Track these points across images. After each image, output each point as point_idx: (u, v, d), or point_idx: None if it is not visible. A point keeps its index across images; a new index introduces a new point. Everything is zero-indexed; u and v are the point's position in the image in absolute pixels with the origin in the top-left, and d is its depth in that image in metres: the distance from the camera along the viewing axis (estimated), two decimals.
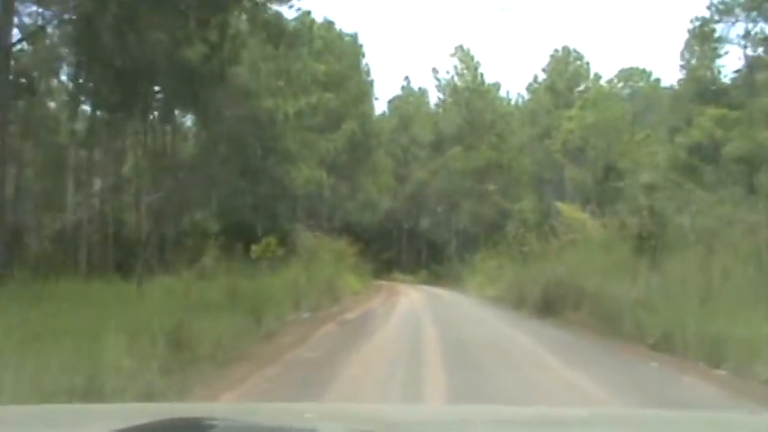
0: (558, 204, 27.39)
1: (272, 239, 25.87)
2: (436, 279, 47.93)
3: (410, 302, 23.13)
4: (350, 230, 63.21)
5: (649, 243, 13.76)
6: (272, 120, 29.34)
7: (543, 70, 51.38)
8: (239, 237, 27.23)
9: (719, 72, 37.16)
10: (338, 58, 40.25)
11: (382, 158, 48.51)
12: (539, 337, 11.07)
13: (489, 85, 47.96)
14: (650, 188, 29.93)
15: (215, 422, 1.31)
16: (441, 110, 50.71)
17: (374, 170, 41.47)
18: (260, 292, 16.61)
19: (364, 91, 40.71)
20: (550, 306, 15.21)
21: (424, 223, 58.51)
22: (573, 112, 44.16)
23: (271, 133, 29.61)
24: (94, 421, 1.81)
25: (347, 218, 63.06)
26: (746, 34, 35.12)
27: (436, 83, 49.57)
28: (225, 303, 11.55)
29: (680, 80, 40.22)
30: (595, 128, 41.57)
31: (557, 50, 51.39)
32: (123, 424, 1.32)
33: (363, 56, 42.46)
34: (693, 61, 39.63)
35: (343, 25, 52.56)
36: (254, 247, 25.87)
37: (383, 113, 62.62)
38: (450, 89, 48.62)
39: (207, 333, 8.49)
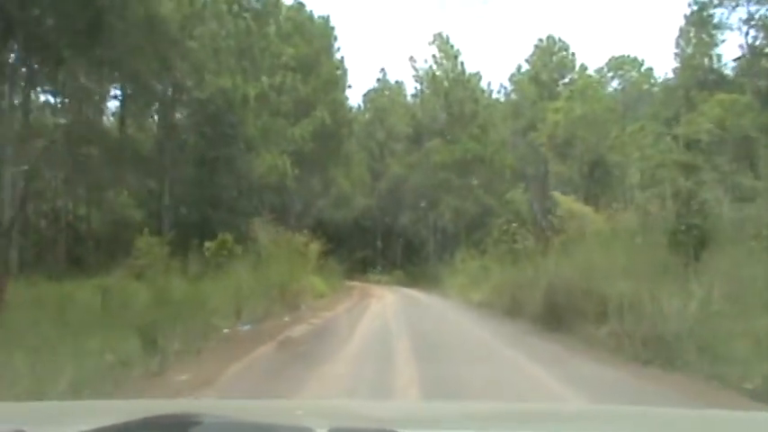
0: (556, 195, 24.04)
1: (228, 236, 22.39)
2: (413, 280, 44.53)
3: (382, 310, 19.66)
4: (323, 228, 60.27)
5: (690, 236, 10.40)
6: (229, 101, 25.69)
7: (527, 61, 48.23)
8: (194, 232, 23.80)
9: (719, 59, 34.15)
10: (308, 42, 36.78)
11: (356, 150, 44.94)
12: (567, 374, 7.26)
13: (470, 74, 44.52)
14: (653, 179, 26.91)
15: (202, 418, 1.25)
16: (418, 100, 47.20)
17: (347, 162, 37.87)
18: (195, 298, 13.17)
19: (336, 77, 37.08)
20: (558, 317, 11.78)
21: (402, 221, 55.13)
22: (559, 103, 40.93)
23: (229, 117, 25.98)
24: (79, 418, 1.71)
25: (320, 215, 60.06)
26: (749, 18, 32.09)
27: (414, 72, 46.07)
28: (116, 318, 7.96)
29: (675, 68, 37.20)
30: (583, 120, 38.40)
31: (541, 40, 48.26)
32: (110, 421, 1.28)
33: (336, 39, 38.85)
34: (689, 49, 36.73)
35: (316, 9, 48.46)
36: (207, 244, 22.40)
37: (358, 107, 59.35)
38: (429, 79, 45.14)
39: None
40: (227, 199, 26.95)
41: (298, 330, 12.45)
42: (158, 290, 13.09)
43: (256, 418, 1.52)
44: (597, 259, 11.83)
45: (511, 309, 15.94)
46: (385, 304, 22.66)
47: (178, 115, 27.93)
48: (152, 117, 29.08)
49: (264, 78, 26.21)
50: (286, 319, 14.63)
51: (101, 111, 26.14)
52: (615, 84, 46.85)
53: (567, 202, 20.76)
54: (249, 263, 18.77)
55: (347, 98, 40.10)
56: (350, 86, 43.55)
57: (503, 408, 2.82)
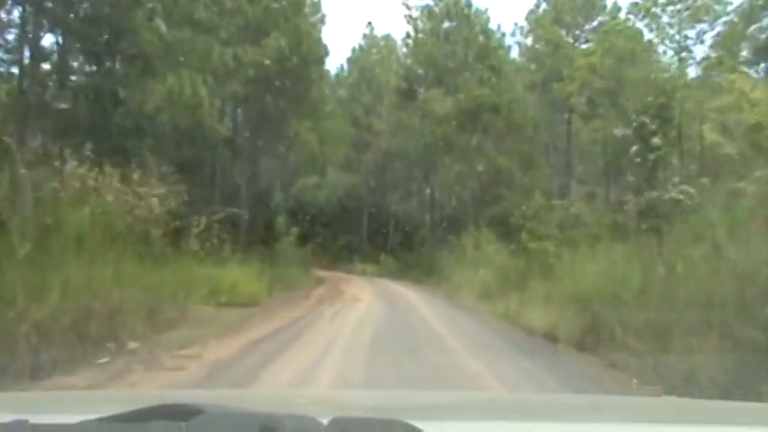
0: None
1: None
2: (405, 270, 34.51)
3: (346, 344, 9.29)
4: (304, 210, 49.93)
5: None
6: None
7: (545, 1, 37.82)
8: None
9: None
10: None
11: (333, 105, 34.74)
12: None
13: (477, 10, 34.01)
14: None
15: (205, 408, 1.20)
16: (412, 46, 36.66)
17: (314, 113, 27.43)
18: None
19: None
20: None
21: (393, 198, 45.01)
22: (592, 47, 30.69)
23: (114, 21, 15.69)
24: (81, 408, 1.65)
25: (300, 197, 50.29)
26: None
27: (406, 12, 35.43)
28: None
29: None
30: (624, 62, 28.14)
31: None
32: (112, 410, 1.25)
33: None
34: None
35: None
36: None
37: (341, 68, 48.87)
38: (425, 17, 34.64)
39: None
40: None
41: None
42: None
43: (258, 407, 1.45)
44: None
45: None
46: (356, 324, 12.42)
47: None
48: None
49: None
50: None
51: None
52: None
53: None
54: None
55: (320, 33, 29.55)
56: (324, 19, 32.93)
57: (508, 398, 2.91)
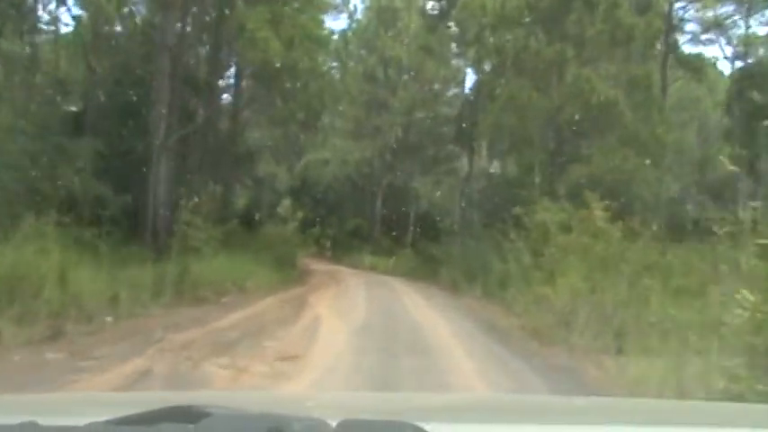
0: None
1: None
2: (428, 268, 23.65)
3: None
4: (308, 190, 40.53)
5: None
6: None
7: None
8: None
9: None
10: None
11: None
12: None
13: None
14: None
15: (213, 410, 1.20)
16: None
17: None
18: None
19: None
20: None
21: (415, 173, 34.13)
22: None
23: None
24: (88, 410, 1.64)
25: (306, 174, 39.98)
26: None
27: None
28: None
29: None
30: None
31: None
32: (120, 412, 1.24)
33: None
34: None
35: None
36: None
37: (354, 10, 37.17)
38: None
39: None
40: None
41: None
42: None
43: (266, 409, 1.39)
44: None
45: None
46: None
47: None
48: None
49: None
50: None
51: None
52: None
53: None
54: None
55: None
56: None
57: (515, 400, 2.72)
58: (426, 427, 1.10)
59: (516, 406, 2.10)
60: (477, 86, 23.22)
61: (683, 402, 3.30)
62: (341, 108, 36.98)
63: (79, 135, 16.57)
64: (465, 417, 1.79)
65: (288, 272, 19.54)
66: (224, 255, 13.05)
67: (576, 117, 15.57)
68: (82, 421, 1.14)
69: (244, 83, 26.24)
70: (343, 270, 26.27)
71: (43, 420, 1.15)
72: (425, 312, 11.45)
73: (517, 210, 12.03)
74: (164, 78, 15.44)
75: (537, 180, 16.21)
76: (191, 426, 1.09)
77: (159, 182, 14.95)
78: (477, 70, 21.48)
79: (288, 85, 21.34)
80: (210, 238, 11.05)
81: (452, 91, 31.56)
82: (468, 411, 1.95)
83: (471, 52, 20.33)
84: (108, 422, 1.18)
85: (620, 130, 14.80)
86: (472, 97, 25.27)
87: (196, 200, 12.77)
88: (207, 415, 1.13)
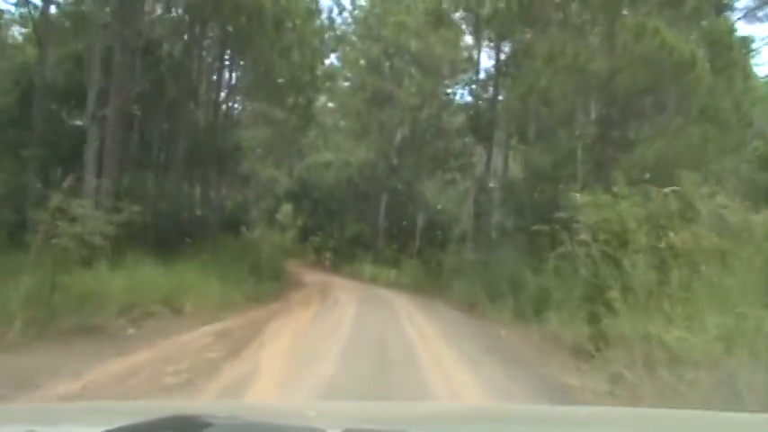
0: None
1: None
2: (436, 280, 20.23)
3: None
4: (307, 194, 36.33)
5: None
6: None
7: None
8: None
9: None
10: None
11: None
12: None
13: None
14: None
15: (216, 420, 1.19)
16: None
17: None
18: None
19: None
20: None
21: (421, 176, 30.52)
22: None
23: None
24: (88, 420, 1.64)
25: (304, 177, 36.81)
26: None
27: None
28: None
29: None
30: None
31: None
32: (121, 422, 1.21)
33: None
34: None
35: None
36: None
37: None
38: None
39: None
40: None
41: None
42: None
43: (267, 419, 1.43)
44: None
45: None
46: None
47: None
48: None
49: None
50: None
51: None
52: None
53: None
54: None
55: None
56: None
57: (517, 410, 2.71)
58: None
59: (518, 416, 2.07)
60: (497, 66, 19.48)
61: (684, 411, 3.21)
62: (341, 103, 33.65)
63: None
64: (466, 427, 1.76)
65: (266, 285, 15.76)
66: (157, 264, 9.28)
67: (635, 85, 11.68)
68: (82, 431, 1.18)
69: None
70: (337, 282, 22.51)
71: (43, 430, 1.14)
72: (440, 355, 7.49)
73: (576, 197, 8.11)
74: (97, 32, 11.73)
75: (579, 170, 12.34)
76: None
77: (89, 163, 11.24)
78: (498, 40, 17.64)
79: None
80: (104, 237, 7.22)
81: (465, 77, 27.71)
82: (470, 421, 1.93)
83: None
84: None
85: (699, 101, 10.94)
86: (490, 83, 21.64)
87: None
88: (209, 425, 1.09)
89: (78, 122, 13.62)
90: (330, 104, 37.26)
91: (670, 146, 10.60)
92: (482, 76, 23.21)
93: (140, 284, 8.31)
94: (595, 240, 7.23)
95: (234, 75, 24.21)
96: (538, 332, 9.10)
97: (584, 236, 7.12)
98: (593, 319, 6.83)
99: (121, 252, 8.55)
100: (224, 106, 24.60)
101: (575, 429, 1.75)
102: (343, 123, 36.43)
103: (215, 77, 23.32)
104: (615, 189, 8.19)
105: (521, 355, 7.40)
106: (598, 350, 6.53)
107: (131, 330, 7.01)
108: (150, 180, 14.70)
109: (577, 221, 8.53)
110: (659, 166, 10.40)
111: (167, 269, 9.44)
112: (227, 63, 23.34)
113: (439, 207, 31.02)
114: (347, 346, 7.21)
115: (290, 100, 22.72)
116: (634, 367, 4.81)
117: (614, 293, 6.33)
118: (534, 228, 9.72)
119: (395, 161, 32.14)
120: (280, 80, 21.57)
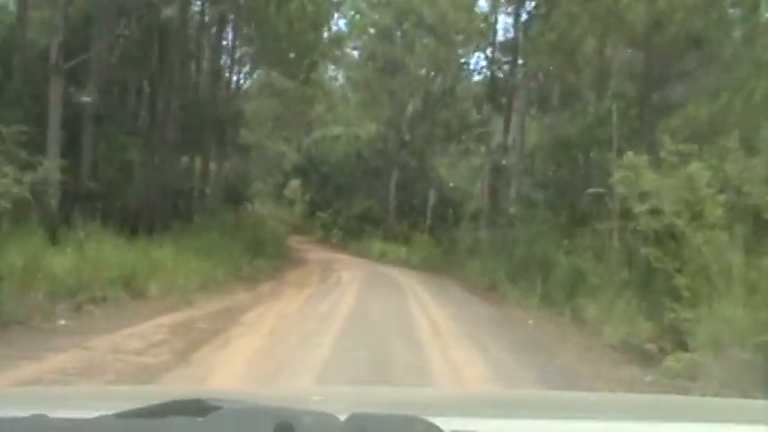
0: None
1: None
2: (449, 257, 18.77)
3: None
4: (315, 168, 35.00)
5: None
6: None
7: None
8: None
9: None
10: None
11: None
12: None
13: None
14: None
15: (220, 404, 1.17)
16: None
17: None
18: None
19: None
20: None
21: (434, 151, 28.95)
22: None
23: None
24: (98, 404, 1.58)
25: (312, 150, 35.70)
26: None
27: None
28: None
29: None
30: None
31: None
32: (126, 407, 1.20)
33: None
34: None
35: None
36: None
37: None
38: None
39: None
40: None
41: None
42: None
43: (274, 403, 1.36)
44: None
45: None
46: None
47: None
48: None
49: None
50: None
51: None
52: None
53: None
54: None
55: None
56: None
57: (526, 395, 2.67)
58: (436, 421, 1.05)
59: (527, 401, 2.08)
60: (518, 26, 17.77)
61: (683, 398, 3.22)
62: (350, 71, 32.09)
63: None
64: (475, 411, 1.75)
65: (263, 263, 14.34)
66: (123, 240, 7.84)
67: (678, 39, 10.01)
68: (91, 415, 1.14)
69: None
70: (344, 259, 21.09)
71: (53, 414, 1.13)
72: (457, 364, 5.90)
73: (618, 168, 6.54)
74: None
75: (615, 137, 10.70)
76: (200, 419, 1.07)
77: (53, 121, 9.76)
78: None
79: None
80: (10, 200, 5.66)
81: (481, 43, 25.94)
82: (478, 406, 1.91)
83: None
84: (118, 415, 1.15)
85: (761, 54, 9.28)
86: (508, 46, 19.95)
87: None
88: (216, 409, 1.11)
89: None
90: (338, 75, 35.78)
91: (728, 104, 8.96)
92: (500, 37, 21.41)
93: (96, 263, 6.88)
94: (654, 213, 5.67)
95: (235, 36, 22.61)
96: (572, 322, 7.60)
97: (639, 207, 5.54)
98: (653, 312, 5.29)
99: (72, 225, 7.12)
100: (227, 74, 23.15)
101: (584, 415, 1.66)
102: (351, 95, 34.99)
103: (215, 42, 21.87)
104: (662, 155, 6.62)
105: (563, 359, 5.83)
106: (661, 350, 5.02)
107: (63, 322, 5.59)
108: (135, 147, 13.21)
109: (618, 191, 7.01)
110: (713, 129, 8.82)
111: (133, 246, 8.00)
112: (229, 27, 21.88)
113: (452, 185, 29.47)
114: (336, 350, 5.61)
115: (294, 64, 21.12)
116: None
117: (685, 280, 4.78)
118: (567, 201, 8.19)
119: (406, 135, 30.60)
120: (283, 44, 20.02)
